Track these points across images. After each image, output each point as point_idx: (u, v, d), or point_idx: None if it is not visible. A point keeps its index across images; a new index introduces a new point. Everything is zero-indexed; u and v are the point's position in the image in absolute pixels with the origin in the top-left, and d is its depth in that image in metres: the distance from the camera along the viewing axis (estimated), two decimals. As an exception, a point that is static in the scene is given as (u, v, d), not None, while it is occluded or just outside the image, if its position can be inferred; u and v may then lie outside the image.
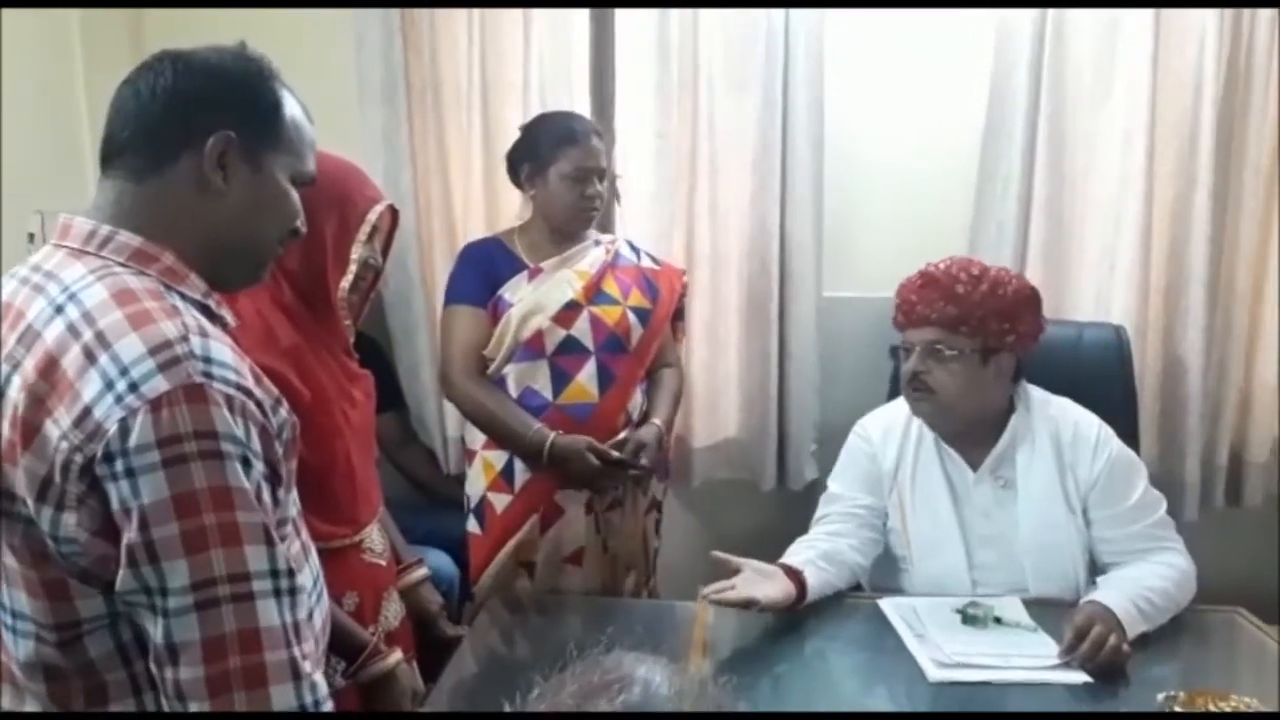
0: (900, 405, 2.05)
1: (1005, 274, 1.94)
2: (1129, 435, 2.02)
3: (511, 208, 2.63)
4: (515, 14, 2.60)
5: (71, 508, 0.96)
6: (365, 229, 1.58)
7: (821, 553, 1.91)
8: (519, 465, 2.19)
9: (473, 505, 2.25)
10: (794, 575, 1.82)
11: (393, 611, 1.72)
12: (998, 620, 1.78)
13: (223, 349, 1.02)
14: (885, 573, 2.05)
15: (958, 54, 2.66)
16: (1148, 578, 1.80)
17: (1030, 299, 1.94)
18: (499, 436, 2.18)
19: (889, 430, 2.04)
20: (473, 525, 2.25)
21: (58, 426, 0.96)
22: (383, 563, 1.71)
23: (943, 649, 1.68)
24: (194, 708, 0.95)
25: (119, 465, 0.94)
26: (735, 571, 1.81)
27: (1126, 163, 2.52)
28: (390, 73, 2.60)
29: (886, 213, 2.77)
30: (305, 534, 1.20)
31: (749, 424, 2.77)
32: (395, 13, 2.59)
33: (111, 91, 1.12)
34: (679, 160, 2.66)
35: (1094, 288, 2.61)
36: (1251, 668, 1.78)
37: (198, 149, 1.08)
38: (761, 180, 2.63)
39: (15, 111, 2.27)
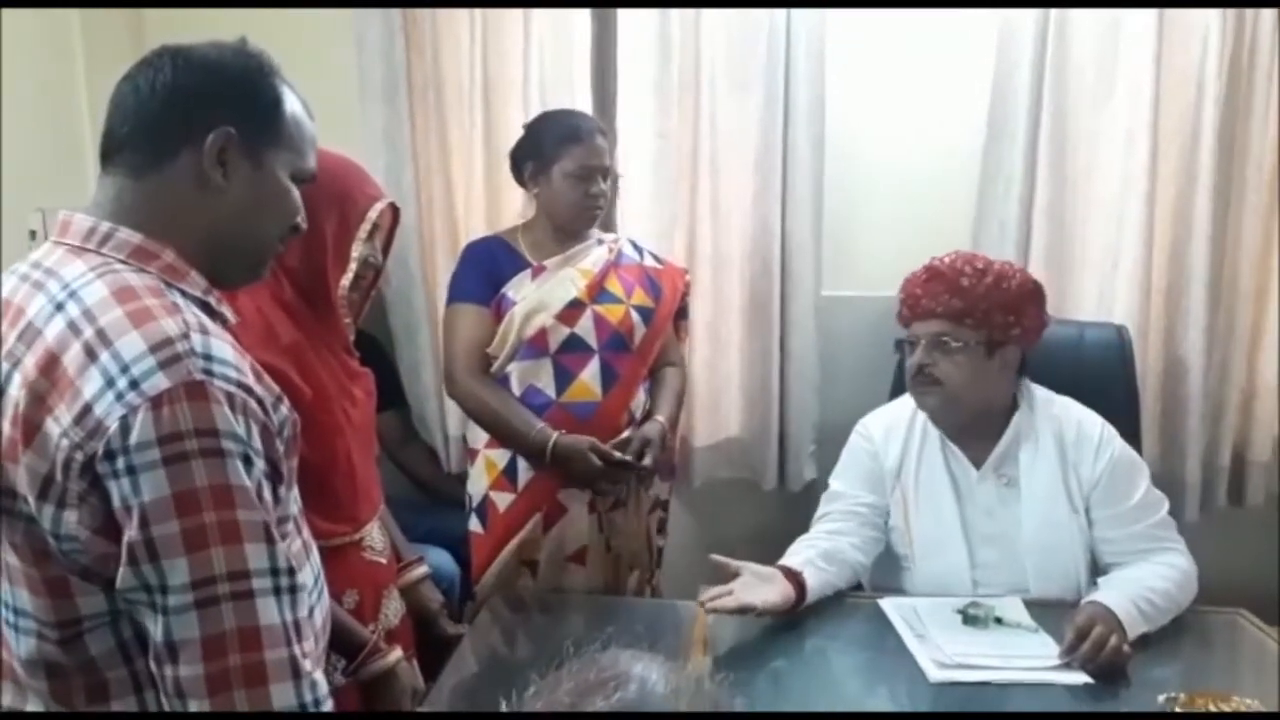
0: (903, 404, 2.05)
1: (1009, 268, 1.94)
2: (1131, 435, 2.02)
3: (513, 206, 2.63)
4: (517, 13, 2.60)
5: (72, 505, 0.96)
6: (366, 227, 1.58)
7: (822, 552, 1.91)
8: (522, 464, 2.19)
9: (474, 504, 2.25)
10: (793, 577, 1.82)
11: (393, 609, 1.72)
12: (998, 621, 1.78)
13: (223, 346, 1.02)
14: (886, 571, 2.05)
15: (960, 54, 2.66)
16: (1149, 578, 1.80)
17: (1034, 292, 1.94)
18: (502, 435, 2.18)
19: (892, 428, 2.04)
20: (474, 524, 2.25)
21: (59, 424, 0.96)
22: (383, 561, 1.71)
23: (943, 649, 1.68)
24: (194, 706, 0.95)
25: (120, 463, 0.94)
26: (734, 575, 1.81)
27: (1129, 162, 2.52)
28: (392, 71, 2.60)
29: (888, 213, 2.76)
30: (306, 532, 1.20)
31: (750, 423, 2.77)
32: (396, 12, 2.58)
33: (112, 90, 1.11)
34: (680, 160, 2.65)
35: (1096, 287, 2.61)
36: (1253, 669, 1.78)
37: (197, 145, 1.07)
38: (763, 180, 2.63)
39: (16, 110, 2.27)
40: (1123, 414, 2.04)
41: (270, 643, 0.97)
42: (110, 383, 0.95)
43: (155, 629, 0.95)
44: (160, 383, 0.95)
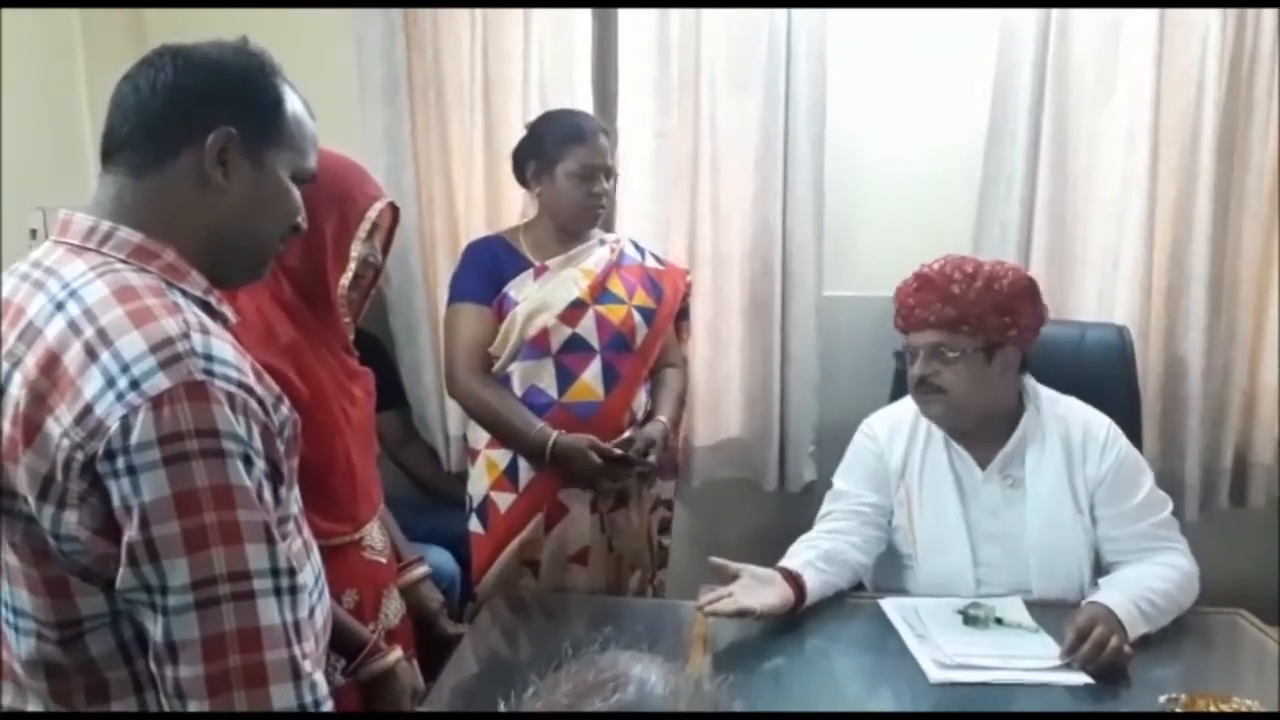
0: (907, 404, 2.05)
1: (999, 268, 1.92)
2: (1132, 436, 2.02)
3: (513, 206, 2.63)
4: (517, 12, 2.60)
5: (73, 505, 0.96)
6: (365, 226, 1.58)
7: (822, 553, 1.91)
8: (523, 464, 2.19)
9: (475, 504, 2.25)
10: (792, 579, 1.82)
11: (393, 609, 1.72)
12: (999, 621, 1.78)
13: (224, 346, 1.02)
14: (889, 571, 2.05)
15: (961, 54, 2.66)
16: (1150, 579, 1.79)
17: (1026, 290, 1.93)
18: (502, 435, 2.18)
19: (896, 428, 2.04)
20: (475, 525, 2.25)
21: (59, 424, 0.96)
22: (383, 560, 1.71)
23: (944, 650, 1.68)
24: (193, 706, 0.95)
25: (120, 463, 0.94)
26: (733, 577, 1.81)
27: (1129, 163, 2.52)
28: (392, 71, 2.60)
29: (889, 213, 2.76)
30: (307, 532, 1.20)
31: (751, 424, 2.77)
32: (397, 11, 2.58)
33: (112, 89, 1.11)
34: (681, 160, 2.65)
35: (1096, 288, 2.61)
36: (1254, 670, 1.78)
37: (198, 145, 1.07)
38: (763, 180, 2.63)
39: (16, 110, 2.27)
40: (1123, 414, 2.04)
41: (270, 643, 0.97)
42: (111, 382, 0.95)
43: (155, 629, 0.95)
44: (161, 383, 0.95)
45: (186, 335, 0.99)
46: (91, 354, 0.97)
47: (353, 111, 2.61)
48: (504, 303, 2.18)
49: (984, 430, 1.96)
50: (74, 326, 0.99)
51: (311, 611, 1.09)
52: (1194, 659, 1.76)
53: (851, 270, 2.78)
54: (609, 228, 2.48)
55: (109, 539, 0.96)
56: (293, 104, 1.15)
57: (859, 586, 2.02)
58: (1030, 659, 1.66)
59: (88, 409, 0.95)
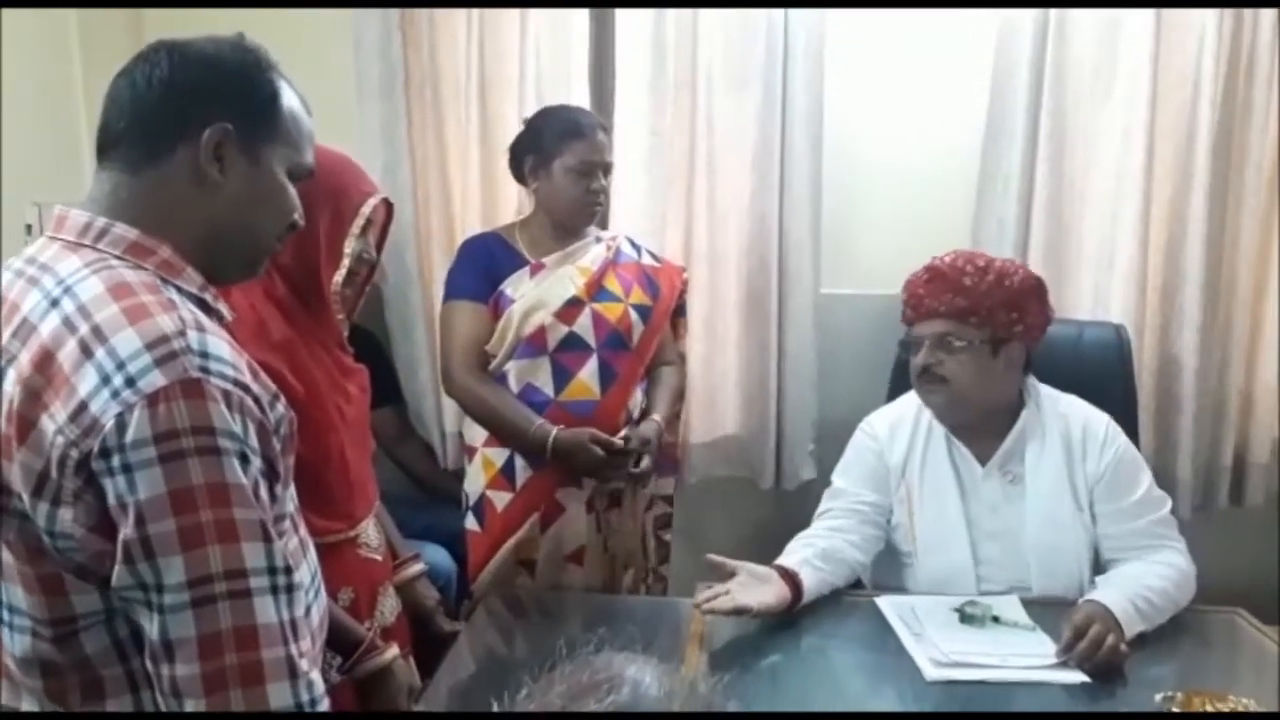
0: (908, 401, 2.05)
1: (1010, 265, 1.95)
2: (1129, 434, 2.02)
3: (509, 202, 2.63)
4: (514, 9, 2.59)
5: (68, 503, 0.96)
6: (359, 222, 1.58)
7: (820, 551, 1.91)
8: (519, 463, 2.18)
9: (471, 503, 2.25)
10: (789, 577, 1.82)
11: (389, 607, 1.72)
12: (996, 619, 1.78)
13: (220, 344, 1.02)
14: (888, 569, 2.05)
15: (959, 52, 2.66)
16: (1147, 577, 1.80)
17: (1036, 289, 1.95)
18: (501, 433, 2.18)
19: (897, 425, 2.04)
20: (471, 523, 2.25)
21: (54, 421, 0.95)
22: (378, 558, 1.71)
23: (940, 648, 1.68)
24: (190, 705, 0.94)
25: (115, 461, 0.93)
26: (730, 575, 1.81)
27: (1125, 162, 2.52)
28: (389, 68, 2.59)
29: (886, 211, 2.76)
30: (303, 530, 1.20)
31: (748, 421, 2.77)
32: (393, 9, 2.58)
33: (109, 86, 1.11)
34: (678, 158, 2.65)
35: (1092, 286, 2.61)
36: (1250, 669, 1.78)
37: (194, 141, 1.07)
38: (760, 178, 2.62)
39: (14, 109, 2.27)
40: (1121, 413, 2.04)
41: (267, 642, 0.96)
42: (106, 380, 0.95)
43: (151, 627, 0.95)
44: (156, 380, 0.95)
45: (182, 332, 0.98)
46: (86, 351, 0.96)
47: (350, 109, 2.60)
48: (500, 300, 2.17)
49: (984, 426, 1.97)
50: (69, 323, 0.98)
51: (308, 610, 1.09)
52: (1191, 657, 1.77)
53: (850, 268, 2.78)
54: (604, 225, 2.47)
55: (104, 536, 0.96)
56: (289, 100, 1.15)
57: (857, 584, 2.02)
58: (1027, 657, 1.66)
59: (82, 406, 0.94)
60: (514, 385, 2.16)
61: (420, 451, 2.83)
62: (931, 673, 1.64)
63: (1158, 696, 1.51)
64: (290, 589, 1.00)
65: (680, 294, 2.39)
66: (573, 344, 2.15)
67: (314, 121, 1.20)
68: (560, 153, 2.15)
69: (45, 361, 0.98)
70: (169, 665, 0.95)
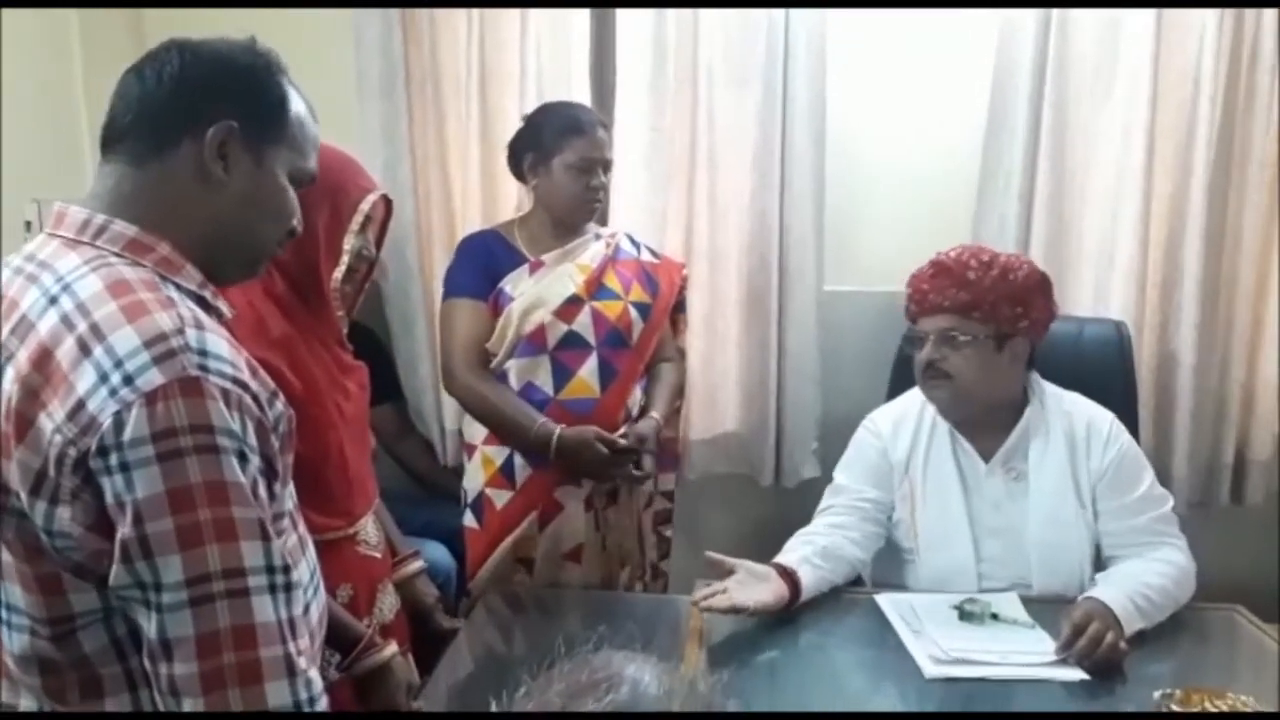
0: (911, 398, 2.05)
1: (1016, 260, 1.95)
2: (1130, 431, 2.02)
3: (509, 199, 2.63)
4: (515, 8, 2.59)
5: (65, 502, 0.96)
6: (358, 219, 1.58)
7: (819, 549, 1.91)
8: (519, 461, 2.18)
9: (470, 500, 2.25)
10: (788, 575, 1.82)
11: (388, 604, 1.72)
12: (995, 617, 1.78)
13: (219, 342, 1.01)
14: (889, 566, 2.06)
15: (960, 49, 2.65)
16: (1146, 574, 1.80)
17: (1041, 284, 1.95)
18: (503, 431, 2.17)
19: (900, 422, 2.04)
20: (470, 520, 2.25)
21: (51, 420, 0.95)
22: (377, 555, 1.71)
23: (939, 645, 1.68)
24: (188, 704, 0.94)
25: (113, 459, 0.93)
26: (729, 572, 1.81)
27: (1126, 159, 2.52)
28: (389, 66, 2.59)
29: (888, 208, 2.76)
30: (302, 528, 1.20)
31: (748, 418, 2.77)
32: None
33: (112, 86, 1.11)
34: (678, 155, 2.64)
35: (1093, 283, 2.61)
36: (1249, 666, 1.78)
37: (200, 136, 1.07)
38: (761, 176, 2.62)
39: (14, 108, 2.26)
40: (1121, 410, 2.04)
41: (265, 641, 0.96)
42: (104, 378, 0.95)
43: (149, 626, 0.95)
44: (154, 378, 0.94)
45: (181, 330, 0.98)
46: (85, 349, 0.96)
47: (350, 109, 2.60)
48: (499, 298, 2.17)
49: (988, 422, 1.97)
50: (67, 321, 0.98)
51: (306, 608, 1.09)
52: (1190, 655, 1.77)
53: (853, 265, 2.78)
54: (604, 222, 2.47)
55: (102, 535, 0.96)
56: (296, 104, 1.15)
57: (857, 581, 2.02)
58: (1026, 654, 1.66)
59: (80, 404, 0.94)
60: (514, 383, 2.16)
61: (420, 448, 2.83)
62: (931, 670, 1.64)
63: (1157, 694, 1.51)
64: (288, 588, 1.00)
65: (680, 290, 2.39)
66: (572, 342, 2.15)
67: (318, 126, 1.20)
68: (560, 149, 2.15)
69: (43, 359, 0.98)
70: (167, 664, 0.95)
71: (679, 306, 2.42)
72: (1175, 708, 1.47)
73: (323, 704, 1.02)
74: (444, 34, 2.63)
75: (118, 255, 1.05)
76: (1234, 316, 2.61)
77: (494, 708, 0.71)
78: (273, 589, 0.98)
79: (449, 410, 2.72)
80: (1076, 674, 1.62)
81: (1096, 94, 2.53)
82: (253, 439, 1.00)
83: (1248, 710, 1.45)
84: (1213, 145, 2.48)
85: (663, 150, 2.61)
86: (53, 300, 1.01)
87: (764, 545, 1.96)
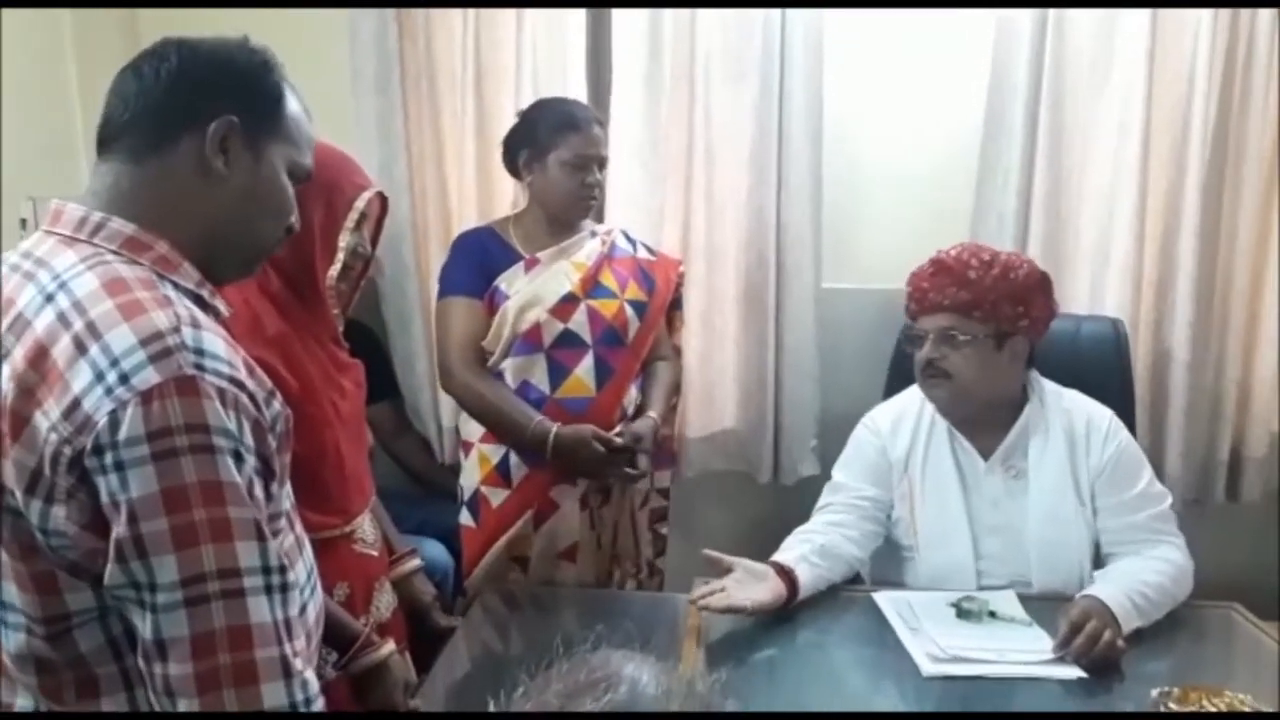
0: (910, 396, 2.05)
1: (1016, 259, 1.95)
2: (1127, 428, 2.02)
3: (506, 195, 2.62)
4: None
5: (60, 501, 0.96)
6: (353, 216, 1.57)
7: (817, 548, 1.90)
8: (515, 460, 2.18)
9: (466, 498, 2.25)
10: (785, 574, 1.82)
11: (384, 602, 1.71)
12: (993, 614, 1.78)
13: (215, 340, 1.01)
14: (887, 564, 2.05)
15: (957, 48, 2.65)
16: (1144, 572, 1.80)
17: (1041, 283, 1.95)
18: (499, 429, 2.17)
19: (900, 420, 2.04)
20: (465, 518, 2.25)
21: (47, 418, 0.95)
22: (374, 553, 1.70)
23: (937, 643, 1.68)
24: (183, 705, 0.94)
25: (108, 458, 0.93)
26: (727, 571, 1.81)
27: (1122, 156, 2.52)
28: (385, 62, 2.58)
29: (886, 205, 2.76)
30: (299, 527, 1.19)
31: (746, 416, 2.76)
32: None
33: (107, 83, 1.11)
34: (675, 152, 2.64)
35: (1089, 281, 2.61)
36: (1247, 664, 1.79)
37: (199, 132, 1.07)
38: (759, 172, 2.62)
39: (11, 107, 2.26)
40: (1118, 408, 2.04)
41: (261, 641, 0.96)
42: (100, 377, 0.94)
43: (144, 626, 0.95)
44: (150, 377, 0.94)
45: (177, 329, 0.98)
46: (80, 347, 0.96)
47: (346, 105, 2.59)
48: (495, 296, 2.16)
49: (987, 420, 1.97)
50: (63, 319, 0.98)
51: (303, 608, 1.09)
52: (1187, 653, 1.77)
53: (852, 263, 2.77)
54: (600, 219, 2.47)
55: (97, 534, 0.95)
56: (293, 101, 1.16)
57: (856, 579, 2.02)
58: (1023, 652, 1.66)
59: (76, 403, 0.94)
60: (510, 382, 2.16)
61: (417, 446, 2.83)
62: (928, 668, 1.64)
63: (1154, 692, 1.51)
64: (284, 588, 1.00)
65: (676, 288, 2.39)
66: (568, 341, 2.14)
67: (313, 124, 1.21)
68: (555, 146, 2.14)
69: (39, 357, 0.97)
70: (162, 664, 0.94)
71: (675, 304, 2.41)
72: (1173, 706, 1.47)
73: (319, 705, 1.02)
74: (439, 30, 2.63)
75: (115, 253, 1.04)
76: (1228, 314, 2.62)
77: (492, 707, 0.71)
78: (268, 589, 0.98)
79: (446, 408, 2.71)
80: (1074, 672, 1.62)
81: (1093, 92, 2.54)
82: (249, 438, 1.00)
83: (1245, 708, 1.45)
84: (1208, 143, 2.48)
85: (660, 147, 2.61)
86: (49, 298, 1.00)
87: (762, 543, 1.96)
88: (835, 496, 2.04)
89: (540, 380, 2.14)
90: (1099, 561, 1.92)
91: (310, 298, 1.56)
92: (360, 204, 1.58)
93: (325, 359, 1.60)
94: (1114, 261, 2.56)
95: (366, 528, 1.68)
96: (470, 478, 2.23)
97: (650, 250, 2.37)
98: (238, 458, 0.97)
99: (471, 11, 2.59)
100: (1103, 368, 2.27)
